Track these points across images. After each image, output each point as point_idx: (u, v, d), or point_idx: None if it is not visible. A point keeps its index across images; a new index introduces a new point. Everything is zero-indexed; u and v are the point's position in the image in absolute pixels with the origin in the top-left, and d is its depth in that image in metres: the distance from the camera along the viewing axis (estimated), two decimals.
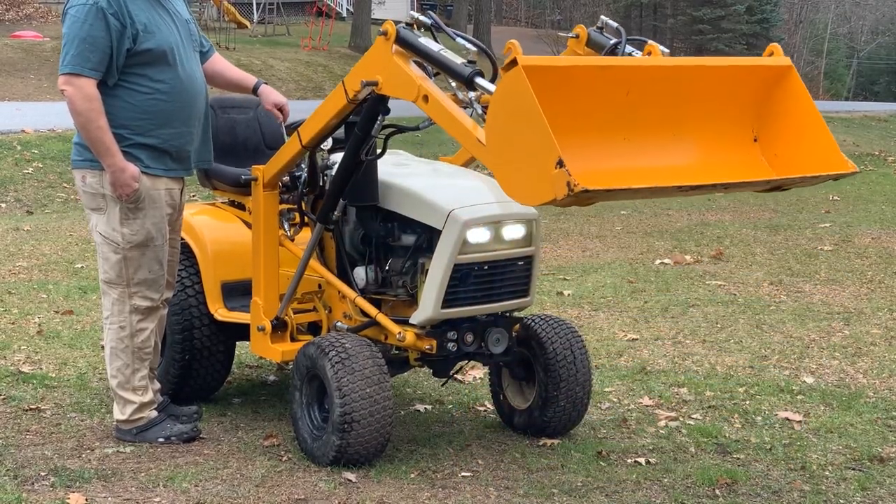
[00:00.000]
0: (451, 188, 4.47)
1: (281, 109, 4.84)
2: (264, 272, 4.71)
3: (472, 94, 3.86)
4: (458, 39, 3.99)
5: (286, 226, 4.85)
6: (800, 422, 5.15)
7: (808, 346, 6.54)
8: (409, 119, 5.49)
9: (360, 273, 4.58)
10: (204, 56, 4.86)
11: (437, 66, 3.95)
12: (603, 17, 4.53)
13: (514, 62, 3.37)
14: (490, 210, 4.30)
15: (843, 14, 55.78)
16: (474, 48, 3.93)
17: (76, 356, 5.93)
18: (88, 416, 4.94)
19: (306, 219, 4.82)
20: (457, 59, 3.89)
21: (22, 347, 6.06)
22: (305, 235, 4.91)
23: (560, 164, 3.24)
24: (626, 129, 3.72)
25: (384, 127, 4.30)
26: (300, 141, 4.44)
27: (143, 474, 4.21)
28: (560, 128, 3.34)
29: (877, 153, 19.98)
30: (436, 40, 4.05)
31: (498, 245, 4.32)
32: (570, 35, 4.50)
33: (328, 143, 4.66)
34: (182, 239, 4.91)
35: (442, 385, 5.36)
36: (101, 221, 4.49)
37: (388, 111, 4.21)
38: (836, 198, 13.70)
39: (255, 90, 4.91)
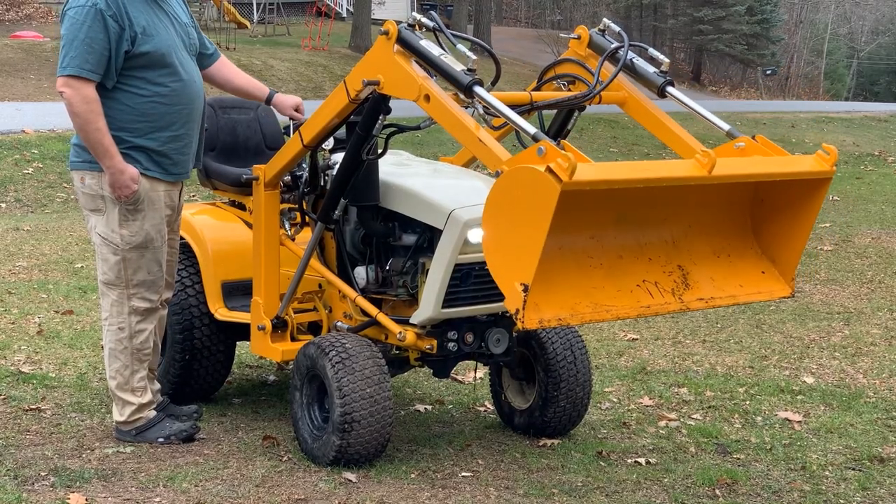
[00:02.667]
0: (451, 188, 4.46)
1: (297, 109, 4.86)
2: (265, 272, 4.71)
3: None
4: (459, 46, 3.97)
5: (287, 225, 4.85)
6: (800, 422, 5.16)
7: (808, 346, 6.54)
8: (411, 119, 5.49)
9: (360, 273, 4.58)
10: (209, 59, 4.86)
11: (436, 71, 3.96)
12: (605, 19, 4.52)
13: (553, 172, 3.25)
14: None
15: (843, 14, 55.77)
16: (475, 56, 3.91)
17: (76, 356, 5.93)
18: (88, 416, 4.94)
19: (307, 218, 4.82)
20: (457, 66, 3.89)
21: (22, 347, 6.06)
22: (306, 235, 4.91)
23: (525, 289, 3.34)
24: (619, 241, 3.77)
25: (385, 126, 4.30)
26: (301, 140, 4.44)
27: (143, 474, 4.21)
28: (559, 230, 3.36)
29: (877, 153, 19.99)
30: (438, 43, 4.04)
31: None
32: (572, 36, 4.49)
33: (329, 143, 4.66)
34: (182, 238, 4.91)
35: (473, 379, 5.31)
36: (100, 223, 4.49)
37: (389, 111, 4.21)
38: (835, 198, 13.70)
39: (269, 101, 4.93)
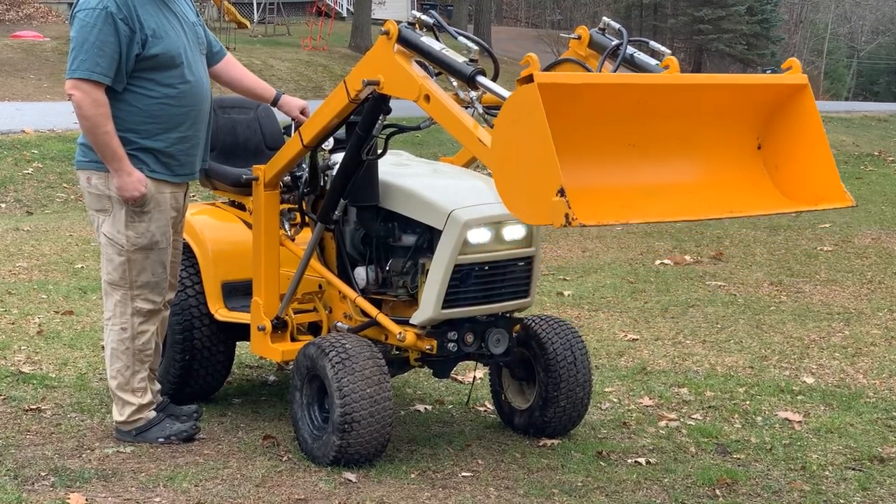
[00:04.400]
0: (451, 188, 4.46)
1: (303, 112, 4.86)
2: (265, 272, 4.71)
3: (473, 94, 3.85)
4: (461, 39, 3.99)
5: (287, 226, 4.85)
6: (800, 422, 5.16)
7: (808, 347, 6.54)
8: (411, 119, 5.49)
9: (360, 273, 4.58)
10: (215, 57, 4.86)
11: (438, 66, 3.95)
12: (605, 18, 4.52)
13: (530, 78, 3.31)
14: (490, 210, 4.30)
15: (843, 14, 55.77)
16: (476, 47, 3.92)
17: (76, 356, 5.93)
18: (88, 416, 4.94)
19: (307, 219, 4.82)
20: (458, 59, 3.89)
21: (22, 347, 6.06)
22: (306, 235, 4.91)
23: (561, 193, 3.19)
24: (633, 142, 3.68)
25: (385, 126, 4.30)
26: (301, 141, 4.44)
27: (143, 474, 4.21)
28: (567, 143, 3.30)
29: (877, 153, 19.99)
30: (438, 40, 4.04)
31: (498, 245, 4.32)
32: (572, 36, 4.49)
33: (329, 143, 4.66)
34: (183, 239, 4.91)
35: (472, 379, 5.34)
36: (107, 223, 4.48)
37: (389, 111, 4.21)
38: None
39: (275, 102, 4.92)
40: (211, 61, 4.84)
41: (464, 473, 4.34)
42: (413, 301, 4.43)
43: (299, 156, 4.55)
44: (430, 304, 4.25)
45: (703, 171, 3.86)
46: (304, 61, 25.15)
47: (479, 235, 4.25)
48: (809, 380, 5.84)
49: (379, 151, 4.38)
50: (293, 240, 4.84)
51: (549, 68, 4.49)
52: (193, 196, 10.30)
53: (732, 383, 5.76)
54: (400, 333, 4.34)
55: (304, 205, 4.80)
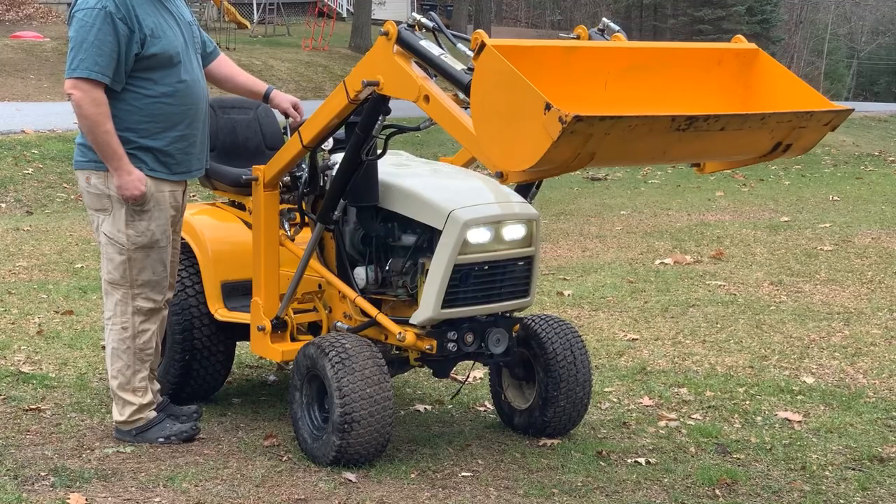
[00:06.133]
0: (451, 188, 4.46)
1: (296, 108, 4.87)
2: (264, 272, 4.72)
3: None
4: (459, 45, 3.97)
5: (286, 226, 4.85)
6: (800, 422, 5.16)
7: (808, 346, 6.54)
8: (411, 119, 5.49)
9: (360, 273, 4.58)
10: (209, 57, 4.87)
11: (436, 71, 3.95)
12: (605, 18, 4.50)
13: (482, 46, 3.41)
14: (490, 210, 4.30)
15: (843, 14, 55.79)
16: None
17: (76, 356, 5.93)
18: (88, 416, 4.94)
19: (307, 219, 4.83)
20: (457, 66, 3.88)
21: (22, 347, 6.07)
22: (306, 235, 4.91)
23: (548, 107, 3.19)
24: (606, 106, 3.63)
25: (385, 127, 4.30)
26: (301, 141, 4.44)
27: (143, 474, 4.21)
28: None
29: (877, 153, 19.99)
30: (438, 43, 4.04)
31: (498, 245, 4.32)
32: (571, 36, 4.47)
33: (329, 144, 4.66)
34: (182, 239, 4.91)
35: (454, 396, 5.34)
36: (107, 222, 4.49)
37: (389, 111, 4.20)
38: (835, 198, 13.70)
39: (266, 97, 4.93)
40: (205, 61, 4.84)
41: (464, 473, 4.34)
42: (413, 301, 4.43)
43: (299, 156, 4.55)
44: (429, 304, 4.25)
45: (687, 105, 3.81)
46: (304, 62, 25.15)
47: (478, 235, 4.25)
48: (809, 380, 5.84)
49: (378, 152, 4.37)
50: (293, 240, 4.84)
51: None
52: (193, 196, 10.32)
53: (732, 383, 5.76)
54: (400, 333, 4.34)
55: (303, 205, 4.81)
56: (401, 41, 4.00)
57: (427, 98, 3.89)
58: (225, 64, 4.97)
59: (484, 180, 4.59)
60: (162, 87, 4.42)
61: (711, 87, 3.92)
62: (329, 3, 34.78)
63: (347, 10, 35.29)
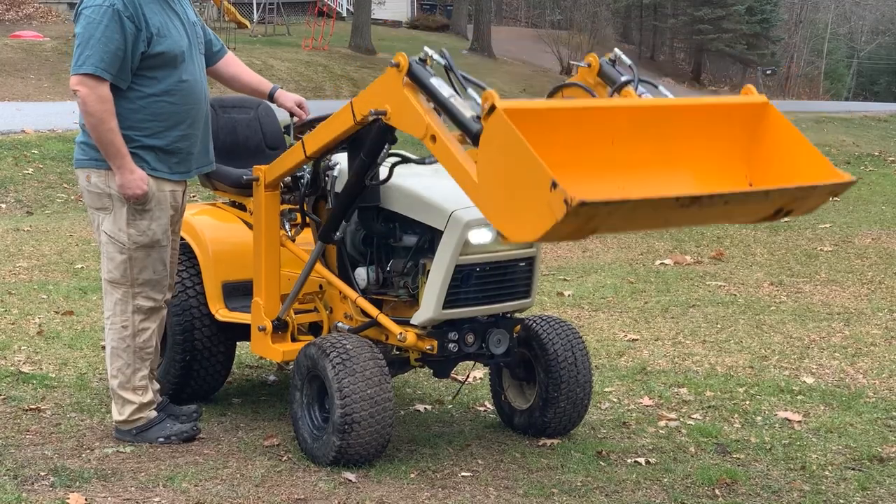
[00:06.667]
0: (452, 189, 4.44)
1: (301, 107, 4.87)
2: (265, 272, 4.72)
3: None
4: (470, 90, 3.85)
5: (287, 226, 4.86)
6: (800, 422, 5.16)
7: (808, 347, 6.54)
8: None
9: (361, 273, 4.58)
10: (216, 56, 4.88)
11: (445, 113, 3.86)
12: (617, 49, 4.43)
13: (492, 108, 3.38)
14: None
15: (843, 14, 55.78)
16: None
17: (76, 356, 5.93)
18: (88, 416, 4.94)
19: (307, 219, 4.83)
20: (466, 111, 3.79)
21: (22, 347, 6.07)
22: (306, 236, 4.92)
23: (554, 185, 3.20)
24: (615, 166, 3.68)
25: (390, 155, 4.27)
26: (304, 151, 4.45)
27: (143, 474, 4.21)
28: (547, 163, 3.29)
29: (877, 153, 19.99)
30: (450, 80, 3.92)
31: (499, 246, 4.32)
32: (581, 64, 4.43)
33: None
34: (183, 239, 4.92)
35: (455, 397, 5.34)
36: (107, 221, 4.49)
37: (395, 140, 4.18)
38: (836, 199, 13.70)
39: (271, 96, 4.93)
40: (212, 60, 4.85)
41: (463, 473, 4.34)
42: (414, 301, 4.43)
43: (301, 164, 4.56)
44: (430, 305, 4.25)
45: (690, 182, 3.83)
46: (304, 61, 25.15)
47: (480, 236, 4.25)
48: (809, 380, 5.84)
49: (382, 178, 4.35)
50: (294, 240, 4.84)
51: (555, 91, 4.45)
52: (193, 196, 10.32)
53: (732, 383, 5.76)
54: (401, 334, 4.34)
55: (304, 205, 4.81)
56: (411, 75, 3.93)
57: (434, 138, 3.83)
58: (232, 63, 4.97)
59: None
60: (165, 86, 4.43)
61: (719, 144, 3.90)
62: (329, 2, 34.78)
63: (347, 9, 35.29)
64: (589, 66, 4.34)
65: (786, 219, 3.82)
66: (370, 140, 4.18)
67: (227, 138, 5.31)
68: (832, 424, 5.10)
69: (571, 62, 4.51)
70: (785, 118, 3.88)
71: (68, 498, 3.92)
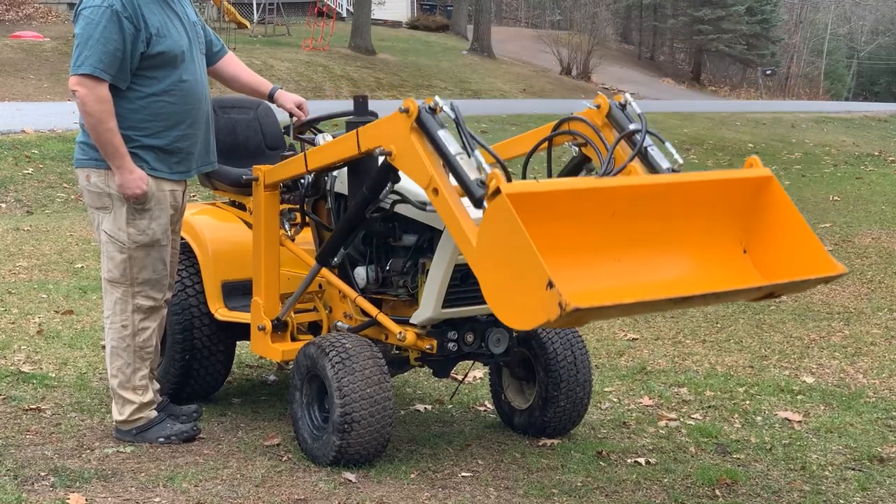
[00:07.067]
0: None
1: (300, 107, 4.87)
2: (265, 272, 4.72)
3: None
4: (476, 153, 3.78)
5: (287, 226, 4.86)
6: (800, 422, 5.16)
7: (808, 346, 6.54)
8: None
9: (360, 273, 4.58)
10: (216, 56, 4.88)
11: (450, 170, 3.82)
12: (627, 94, 4.44)
13: (497, 191, 3.41)
14: None
15: (843, 14, 55.81)
16: (489, 168, 3.70)
17: (76, 356, 5.93)
18: (88, 416, 4.94)
19: (307, 219, 4.83)
20: (471, 174, 3.75)
21: (22, 347, 6.07)
22: (306, 235, 4.92)
23: (550, 285, 3.27)
24: (614, 247, 3.76)
25: (391, 193, 4.26)
26: (306, 164, 4.46)
27: (143, 474, 4.21)
28: (547, 250, 3.38)
29: (877, 153, 20.00)
30: (460, 133, 3.85)
31: None
32: (591, 105, 4.42)
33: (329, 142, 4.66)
34: (182, 239, 4.92)
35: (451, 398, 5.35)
36: (107, 220, 4.49)
37: (398, 180, 4.17)
38: (836, 198, 13.71)
39: (271, 97, 4.93)
40: (212, 60, 4.85)
41: (464, 473, 4.34)
42: (413, 301, 4.43)
43: (301, 175, 4.57)
44: (430, 304, 4.25)
45: (688, 269, 3.93)
46: (304, 61, 25.17)
47: None
48: (809, 379, 5.84)
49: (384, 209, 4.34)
50: (293, 240, 4.85)
51: (560, 123, 4.47)
52: (193, 196, 10.32)
53: (732, 383, 5.76)
54: (400, 333, 4.34)
55: (304, 205, 4.81)
56: (420, 123, 3.89)
57: (436, 191, 3.81)
58: (232, 63, 4.97)
59: None
60: (165, 86, 4.43)
61: (717, 220, 3.97)
62: (329, 2, 34.79)
63: (347, 9, 35.30)
64: (598, 107, 4.33)
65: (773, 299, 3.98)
66: (374, 176, 4.19)
67: (227, 138, 5.31)
68: (832, 424, 5.10)
69: (584, 101, 4.52)
70: (786, 195, 3.95)
71: (68, 498, 3.92)
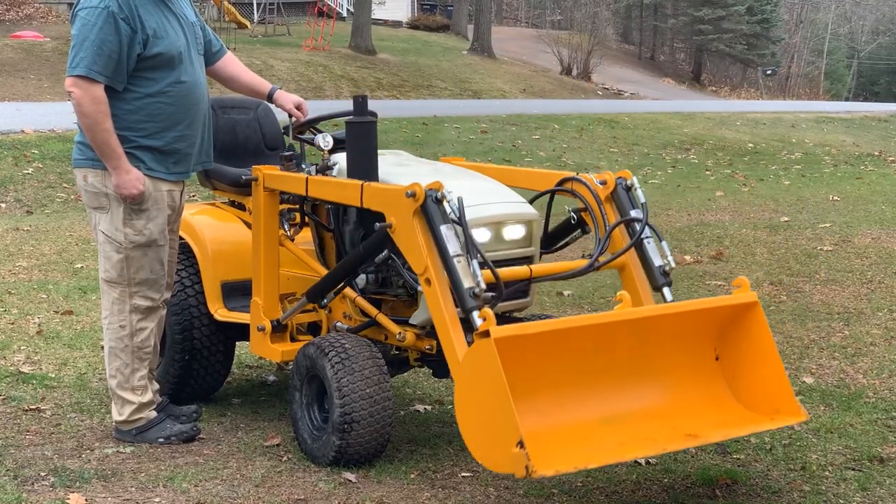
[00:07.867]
0: (451, 188, 4.45)
1: (299, 107, 4.87)
2: (264, 272, 4.72)
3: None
4: (473, 263, 3.79)
5: (286, 226, 4.85)
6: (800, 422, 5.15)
7: (808, 347, 6.54)
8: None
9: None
10: (215, 56, 4.88)
11: (445, 269, 3.84)
12: (634, 178, 4.51)
13: (486, 333, 3.48)
14: (490, 210, 4.30)
15: (843, 14, 55.82)
16: (483, 285, 3.76)
17: (76, 356, 5.93)
18: (88, 416, 4.94)
19: (307, 219, 4.83)
20: (466, 281, 3.77)
21: (22, 347, 6.07)
22: (305, 235, 4.92)
23: (521, 445, 3.35)
24: (592, 374, 3.89)
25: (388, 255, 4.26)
26: (306, 189, 4.46)
27: (143, 474, 4.21)
28: (526, 386, 3.50)
29: (877, 153, 19.99)
30: (463, 225, 3.87)
31: (498, 245, 4.32)
32: (598, 181, 4.50)
33: (329, 143, 4.66)
34: (182, 239, 4.92)
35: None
36: (104, 220, 4.49)
37: (397, 252, 4.15)
38: (835, 198, 13.70)
39: (270, 97, 4.93)
40: (212, 60, 4.85)
41: (464, 473, 4.34)
42: (413, 301, 4.43)
43: (298, 194, 4.59)
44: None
45: (663, 395, 4.07)
46: (304, 61, 25.16)
47: (478, 235, 4.24)
48: (809, 380, 5.84)
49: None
50: (293, 240, 4.85)
51: (563, 182, 4.55)
52: (193, 196, 10.32)
53: None
54: (400, 333, 4.34)
55: (304, 205, 4.80)
56: (424, 211, 3.90)
57: (429, 282, 3.86)
58: (231, 63, 4.97)
59: (485, 180, 4.59)
60: (163, 87, 4.43)
61: (697, 347, 4.16)
62: (329, 2, 34.79)
63: (347, 9, 35.31)
64: (604, 183, 4.42)
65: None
66: (372, 240, 4.19)
67: (227, 139, 5.31)
68: (832, 425, 5.10)
69: (592, 174, 4.62)
70: (767, 326, 4.13)
71: (68, 498, 3.92)
